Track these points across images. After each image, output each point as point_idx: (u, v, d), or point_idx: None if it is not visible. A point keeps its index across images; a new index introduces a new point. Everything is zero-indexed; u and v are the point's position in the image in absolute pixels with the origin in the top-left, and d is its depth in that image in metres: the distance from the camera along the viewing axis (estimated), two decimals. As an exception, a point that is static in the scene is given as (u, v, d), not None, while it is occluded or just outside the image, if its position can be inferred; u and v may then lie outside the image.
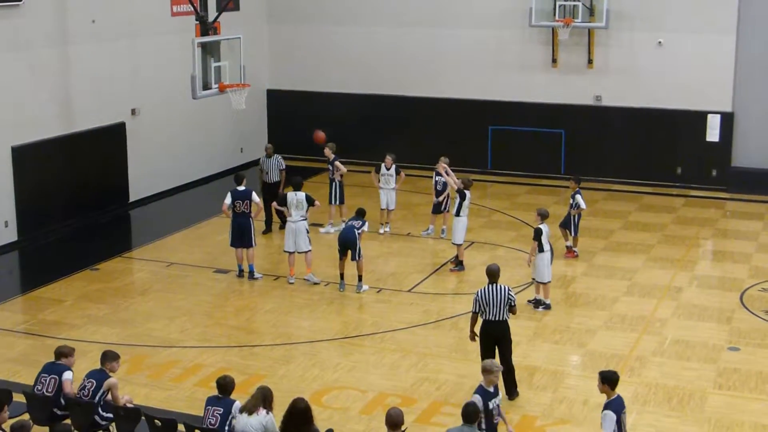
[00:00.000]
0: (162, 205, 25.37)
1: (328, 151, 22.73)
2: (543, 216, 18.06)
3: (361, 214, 19.18)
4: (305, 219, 19.20)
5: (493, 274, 14.18)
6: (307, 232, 19.20)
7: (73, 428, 11.86)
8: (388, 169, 22.48)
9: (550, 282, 17.90)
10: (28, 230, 21.61)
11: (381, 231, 22.36)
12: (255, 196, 19.41)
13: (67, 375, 12.32)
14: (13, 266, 21.10)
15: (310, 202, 19.22)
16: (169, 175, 26.02)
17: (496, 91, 28.03)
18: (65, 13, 22.41)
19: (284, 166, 22.69)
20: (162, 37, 25.17)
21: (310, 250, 19.25)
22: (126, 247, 22.01)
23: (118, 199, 24.49)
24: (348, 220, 19.48)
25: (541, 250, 17.74)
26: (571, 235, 20.66)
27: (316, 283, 19.07)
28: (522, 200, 25.50)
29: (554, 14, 26.61)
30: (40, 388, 12.36)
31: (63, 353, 12.57)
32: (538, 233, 17.83)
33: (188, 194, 26.42)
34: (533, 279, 18.11)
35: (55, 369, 12.43)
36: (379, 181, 22.57)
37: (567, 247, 20.67)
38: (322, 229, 22.53)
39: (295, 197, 19.18)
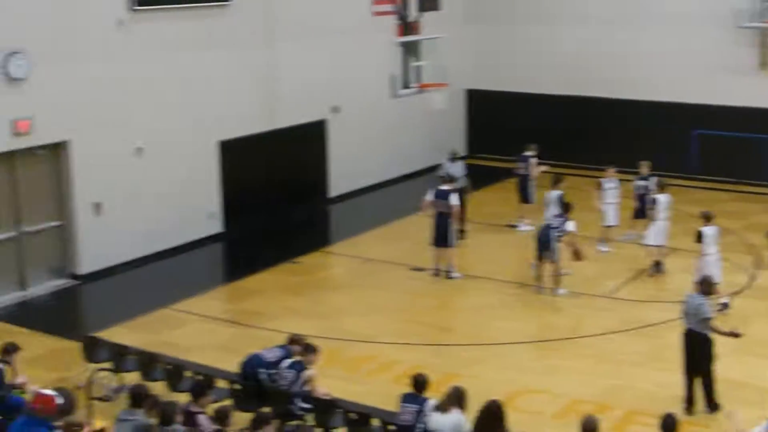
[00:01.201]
0: (360, 202, 25.72)
1: (530, 152, 22.62)
2: (707, 218, 17.57)
3: (565, 210, 18.86)
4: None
5: (701, 284, 13.76)
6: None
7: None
8: (610, 182, 21.40)
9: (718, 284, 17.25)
10: (232, 222, 22.33)
11: (603, 249, 21.19)
12: (453, 198, 19.40)
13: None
14: (218, 257, 21.84)
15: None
16: (368, 173, 26.38)
17: (701, 95, 27.11)
18: (271, 12, 23.01)
19: (463, 173, 22.46)
20: (363, 37, 25.49)
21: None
22: (325, 242, 22.48)
23: (318, 194, 25.02)
24: (550, 217, 19.19)
25: (704, 253, 17.20)
26: None
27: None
28: (728, 207, 24.51)
29: (764, 16, 25.56)
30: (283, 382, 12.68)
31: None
32: (699, 236, 17.33)
33: (386, 192, 26.68)
34: None
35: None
36: (599, 198, 21.33)
37: None
38: (519, 227, 22.39)
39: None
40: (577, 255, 18.77)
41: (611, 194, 21.37)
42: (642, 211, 21.09)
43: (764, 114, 26.42)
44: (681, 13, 27.05)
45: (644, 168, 21.32)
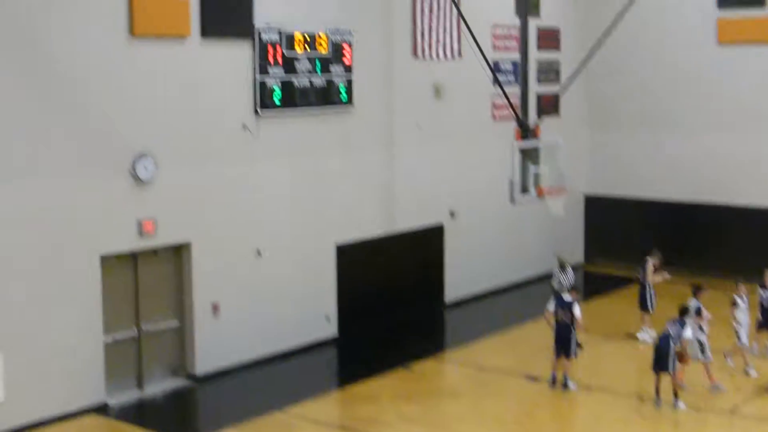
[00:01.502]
0: (476, 308, 25.45)
1: (654, 259, 22.18)
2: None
3: (682, 313, 18.30)
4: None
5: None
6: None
7: None
8: (741, 298, 20.29)
9: None
10: (347, 325, 22.28)
11: (730, 363, 20.13)
12: (576, 309, 19.04)
13: None
14: (333, 360, 21.76)
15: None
16: (484, 278, 26.17)
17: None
18: (392, 116, 23.25)
19: (573, 281, 22.04)
20: (482, 141, 25.56)
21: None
22: (439, 348, 22.27)
23: (433, 299, 24.86)
24: (667, 323, 18.62)
25: None
26: None
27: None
28: None
29: None
30: None
31: None
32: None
33: (502, 298, 26.37)
34: None
35: None
36: (735, 320, 20.12)
37: None
38: (639, 336, 21.83)
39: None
40: (681, 358, 18.12)
41: (743, 312, 20.15)
42: (766, 322, 20.35)
43: None
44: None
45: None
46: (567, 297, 19.27)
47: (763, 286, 20.35)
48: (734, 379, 19.52)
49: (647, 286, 22.11)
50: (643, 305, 22.24)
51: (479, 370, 20.21)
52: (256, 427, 17.03)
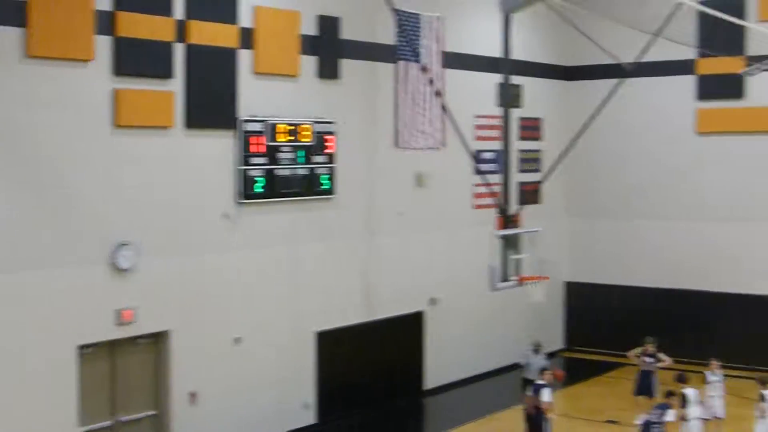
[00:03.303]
0: (456, 395, 25.37)
1: (650, 347, 22.36)
2: (763, 382, 17.15)
3: (668, 395, 18.33)
4: None
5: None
6: None
7: None
8: (714, 375, 20.87)
9: None
10: (327, 413, 22.17)
11: None
12: (544, 393, 19.05)
13: None
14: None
15: None
16: (464, 365, 26.14)
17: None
18: (373, 205, 23.46)
19: (547, 365, 22.07)
20: (462, 229, 25.77)
21: None
22: (419, 436, 22.19)
23: (413, 386, 24.78)
24: (652, 409, 18.60)
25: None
26: None
27: None
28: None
29: None
30: None
31: None
32: (761, 398, 16.70)
33: (483, 384, 26.33)
34: None
35: None
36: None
37: None
38: (637, 421, 21.82)
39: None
40: None
41: (715, 387, 20.80)
42: None
43: None
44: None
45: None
46: (539, 381, 19.30)
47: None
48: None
49: (651, 372, 22.12)
50: (643, 390, 22.19)
51: (459, 459, 20.16)
52: None
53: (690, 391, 19.14)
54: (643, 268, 28.85)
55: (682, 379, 19.84)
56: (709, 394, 20.79)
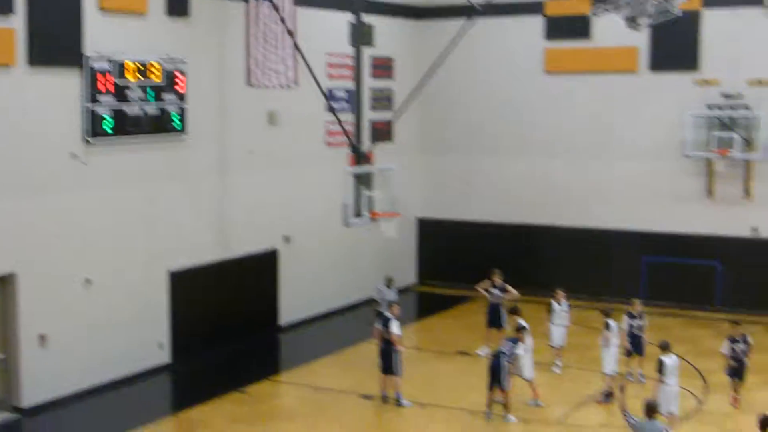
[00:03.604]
0: (311, 330, 25.69)
1: (496, 278, 22.86)
2: (665, 348, 17.70)
3: (518, 329, 18.96)
4: None
5: (650, 409, 13.80)
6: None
7: None
8: (560, 305, 21.92)
9: (675, 415, 17.40)
10: (181, 352, 22.18)
11: (555, 370, 21.69)
12: (394, 326, 19.50)
13: None
14: (166, 387, 21.63)
15: None
16: (319, 301, 26.46)
17: (650, 222, 27.68)
18: (225, 144, 23.37)
19: (396, 299, 22.60)
20: (316, 167, 25.91)
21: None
22: (274, 371, 22.36)
23: (268, 323, 24.98)
24: (502, 342, 19.25)
25: (663, 382, 17.36)
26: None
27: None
28: (676, 333, 24.76)
29: (710, 145, 26.31)
30: None
31: None
32: (660, 365, 17.45)
33: (337, 320, 26.71)
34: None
35: None
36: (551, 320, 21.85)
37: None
38: (479, 352, 22.47)
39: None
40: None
41: (560, 316, 21.78)
42: (636, 348, 20.79)
43: (711, 241, 26.93)
44: (631, 144, 27.78)
45: (636, 306, 20.98)
46: (387, 314, 19.74)
47: (630, 315, 20.82)
48: (562, 391, 20.34)
49: (499, 304, 22.77)
50: (494, 322, 22.85)
51: (314, 391, 20.42)
52: (86, 457, 16.84)
53: (523, 321, 19.91)
54: (493, 203, 29.59)
55: (515, 311, 20.59)
56: (554, 323, 21.72)
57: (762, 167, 26.24)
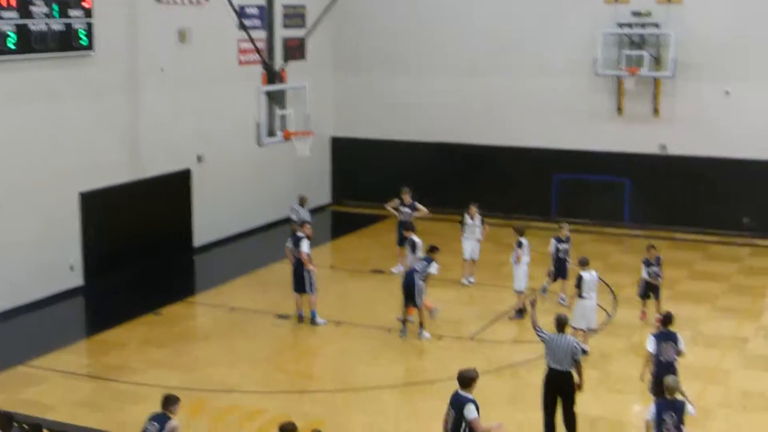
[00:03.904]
0: (225, 251, 25.60)
1: (406, 196, 22.84)
2: (584, 263, 17.93)
3: (431, 251, 19.10)
4: None
5: (560, 323, 14.04)
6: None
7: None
8: (472, 219, 22.24)
9: (593, 329, 17.76)
10: (93, 274, 21.91)
11: (465, 281, 22.19)
12: (303, 246, 19.49)
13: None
14: (79, 310, 21.40)
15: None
16: (233, 221, 26.31)
17: (561, 140, 27.97)
18: (135, 61, 22.87)
19: (308, 218, 22.59)
20: (229, 85, 25.54)
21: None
22: (189, 292, 22.27)
23: (182, 244, 24.78)
24: (414, 261, 19.40)
25: (581, 297, 17.70)
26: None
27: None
28: (586, 249, 25.17)
29: (620, 64, 26.55)
30: None
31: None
32: (578, 280, 17.76)
33: (251, 240, 26.63)
34: (572, 327, 17.87)
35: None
36: (463, 232, 22.27)
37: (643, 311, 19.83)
38: (393, 269, 22.63)
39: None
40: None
41: (471, 230, 22.11)
42: (560, 272, 20.75)
43: (620, 158, 27.35)
44: (542, 62, 27.89)
45: (564, 230, 20.82)
46: (299, 233, 19.71)
47: (558, 240, 20.70)
48: (476, 308, 20.63)
49: (410, 222, 22.81)
50: (405, 241, 22.91)
51: (230, 312, 20.41)
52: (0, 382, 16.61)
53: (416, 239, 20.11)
54: (407, 122, 29.56)
55: (409, 227, 20.74)
56: (465, 237, 22.03)
57: (670, 85, 26.62)
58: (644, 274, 19.49)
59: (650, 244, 20.22)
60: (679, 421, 11.87)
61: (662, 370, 13.55)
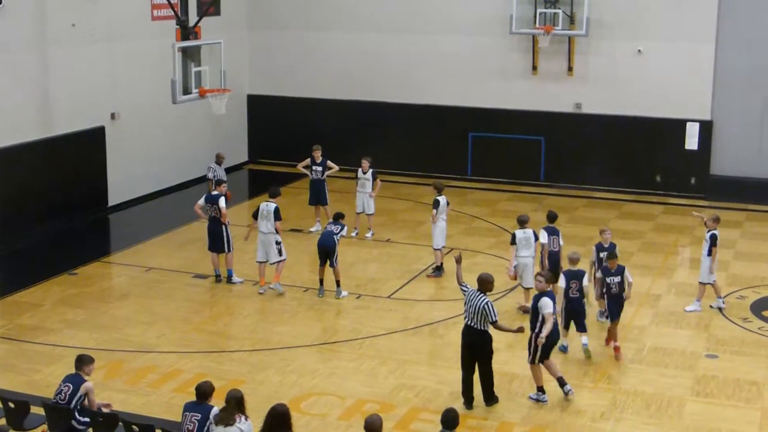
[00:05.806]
0: (141, 210, 25.30)
1: (317, 153, 22.74)
2: (522, 222, 18.08)
3: (338, 217, 19.13)
4: (274, 231, 18.95)
5: (480, 282, 14.12)
6: (277, 243, 19.01)
7: (49, 433, 11.79)
8: (364, 173, 22.46)
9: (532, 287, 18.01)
10: (5, 234, 21.49)
11: (367, 235, 22.45)
12: (221, 202, 19.31)
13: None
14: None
15: (277, 216, 18.93)
16: (149, 180, 25.99)
17: (476, 98, 28.10)
18: (45, 16, 22.34)
19: (225, 178, 22.25)
20: (142, 42, 25.13)
21: (280, 261, 19.06)
22: (104, 252, 21.98)
23: (97, 203, 24.42)
24: (327, 224, 19.44)
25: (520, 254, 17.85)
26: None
27: (280, 293, 18.94)
28: (502, 207, 25.55)
29: (535, 22, 26.71)
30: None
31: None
32: (513, 238, 17.92)
33: (167, 199, 26.36)
34: (521, 285, 18.13)
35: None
36: (357, 185, 22.60)
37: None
38: (312, 228, 22.62)
39: (266, 207, 19.04)
40: None
41: (362, 184, 22.46)
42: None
43: (535, 116, 27.61)
44: (457, 20, 27.93)
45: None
46: (214, 191, 19.54)
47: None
48: (393, 266, 20.74)
49: (322, 181, 22.81)
50: (317, 199, 22.95)
51: (146, 272, 20.22)
52: None
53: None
54: (323, 80, 29.42)
55: (272, 195, 20.71)
56: (358, 191, 22.48)
57: (584, 43, 26.89)
58: (597, 271, 17.02)
59: (603, 228, 17.88)
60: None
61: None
